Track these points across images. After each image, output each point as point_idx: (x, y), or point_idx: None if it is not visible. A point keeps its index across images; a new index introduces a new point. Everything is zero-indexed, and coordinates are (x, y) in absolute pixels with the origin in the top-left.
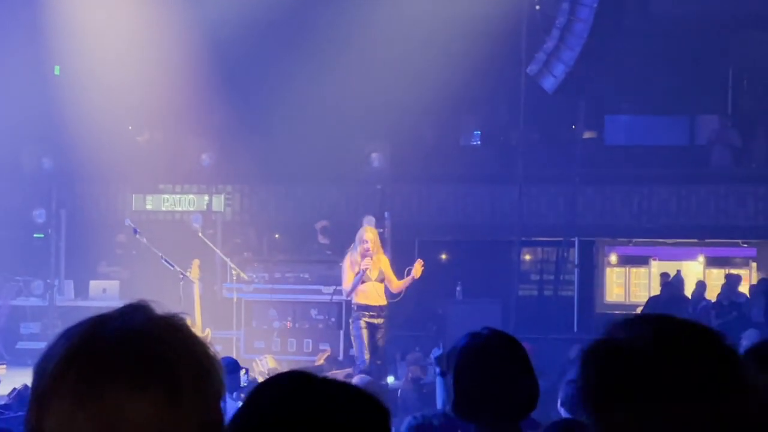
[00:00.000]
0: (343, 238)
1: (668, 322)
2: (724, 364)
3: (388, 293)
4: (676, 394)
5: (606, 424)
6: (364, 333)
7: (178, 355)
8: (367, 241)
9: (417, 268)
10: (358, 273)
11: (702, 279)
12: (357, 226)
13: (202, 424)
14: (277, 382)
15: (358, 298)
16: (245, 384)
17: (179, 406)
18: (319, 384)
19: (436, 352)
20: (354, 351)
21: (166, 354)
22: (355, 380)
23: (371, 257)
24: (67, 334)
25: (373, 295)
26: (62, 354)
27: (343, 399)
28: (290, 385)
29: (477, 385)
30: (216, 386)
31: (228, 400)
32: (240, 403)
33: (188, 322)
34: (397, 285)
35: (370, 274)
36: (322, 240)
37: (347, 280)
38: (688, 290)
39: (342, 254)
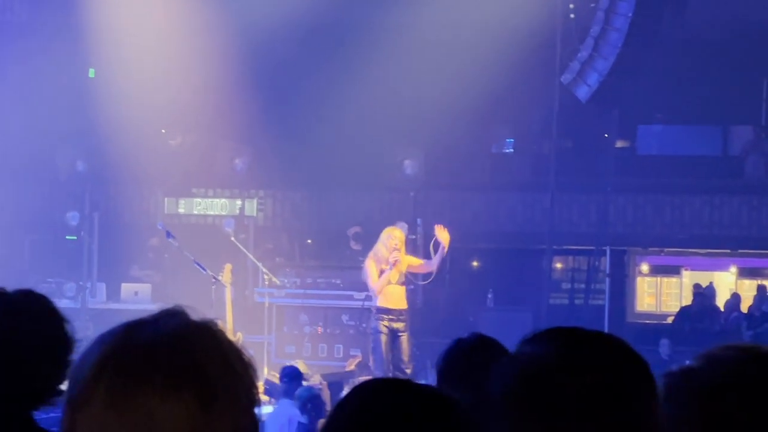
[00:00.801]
0: (374, 245)
1: (575, 334)
2: (632, 374)
3: (417, 283)
4: (579, 406)
5: None
6: (383, 339)
7: (211, 360)
8: (395, 238)
9: (441, 234)
10: (385, 270)
11: (735, 290)
12: None
13: (235, 429)
14: (368, 387)
15: (380, 301)
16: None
17: (212, 411)
18: (408, 389)
19: None
20: (370, 363)
21: (199, 359)
22: None
23: (399, 252)
24: (102, 339)
25: (394, 298)
26: (96, 359)
27: (433, 404)
28: (382, 391)
29: (457, 389)
30: (250, 392)
31: (289, 406)
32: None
33: (221, 326)
34: (429, 264)
35: (391, 278)
36: (355, 246)
37: (373, 277)
38: (721, 301)
39: None
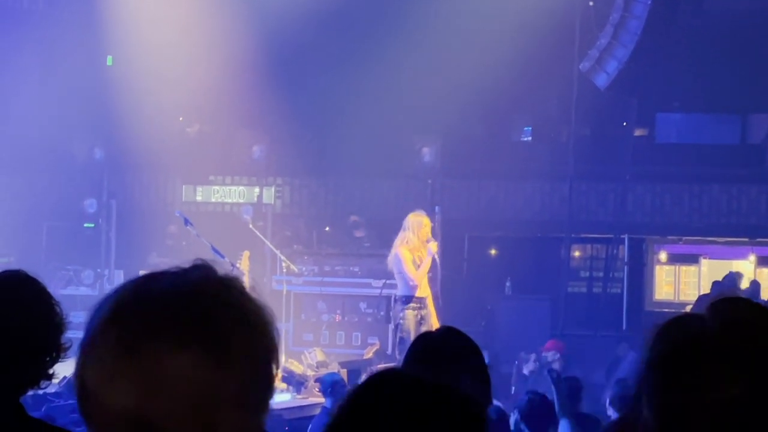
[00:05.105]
0: (391, 233)
1: (740, 303)
2: None
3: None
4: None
5: (664, 405)
6: (412, 328)
7: (227, 314)
8: (427, 226)
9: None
10: (424, 259)
11: (755, 278)
12: None
13: (248, 385)
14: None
15: (415, 290)
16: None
17: (223, 365)
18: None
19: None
20: (389, 351)
21: (213, 312)
22: None
23: (434, 241)
24: (120, 288)
25: (423, 286)
26: (110, 307)
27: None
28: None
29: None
30: (266, 348)
31: None
32: None
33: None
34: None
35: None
36: (358, 234)
37: (411, 266)
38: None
39: (386, 247)
